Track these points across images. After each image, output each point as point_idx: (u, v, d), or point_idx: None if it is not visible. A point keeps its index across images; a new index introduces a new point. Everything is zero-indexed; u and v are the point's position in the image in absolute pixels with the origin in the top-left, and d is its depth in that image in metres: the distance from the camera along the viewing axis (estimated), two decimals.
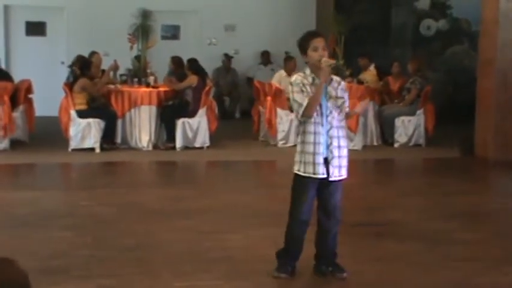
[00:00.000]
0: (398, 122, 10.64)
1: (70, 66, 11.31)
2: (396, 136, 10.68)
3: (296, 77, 4.57)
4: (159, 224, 6.08)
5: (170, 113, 10.12)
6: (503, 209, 6.99)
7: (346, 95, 4.63)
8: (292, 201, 4.61)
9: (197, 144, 10.15)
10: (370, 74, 11.25)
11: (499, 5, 9.27)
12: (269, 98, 10.48)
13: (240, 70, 14.23)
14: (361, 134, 10.42)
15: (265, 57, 14.12)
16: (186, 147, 10.08)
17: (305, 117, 4.47)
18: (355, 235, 5.77)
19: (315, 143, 4.48)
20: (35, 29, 13.87)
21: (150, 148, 10.03)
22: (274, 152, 9.92)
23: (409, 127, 10.68)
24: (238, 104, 14.05)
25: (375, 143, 10.76)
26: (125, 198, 7.05)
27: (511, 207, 7.02)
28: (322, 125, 4.49)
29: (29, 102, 10.45)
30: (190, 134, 10.13)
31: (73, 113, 9.74)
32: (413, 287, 4.65)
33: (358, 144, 10.30)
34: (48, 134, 10.90)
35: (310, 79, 4.52)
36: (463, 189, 7.83)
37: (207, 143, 10.20)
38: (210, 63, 12.99)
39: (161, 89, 10.37)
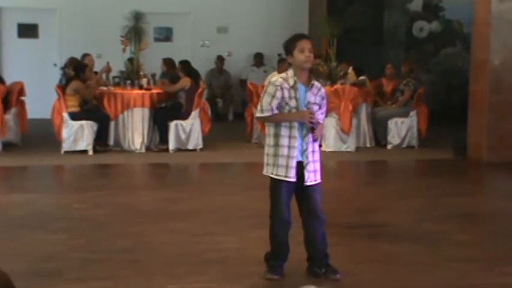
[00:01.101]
0: (391, 123, 10.65)
1: (63, 68, 11.30)
2: (389, 138, 10.68)
3: (277, 79, 4.59)
4: (153, 226, 6.07)
5: (163, 115, 10.10)
6: (497, 210, 7.01)
7: (323, 102, 4.65)
8: (270, 203, 4.65)
9: (190, 146, 10.13)
10: (351, 77, 11.22)
11: (491, 7, 9.29)
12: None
13: (232, 72, 14.22)
14: (354, 136, 10.42)
15: (258, 59, 14.12)
16: (179, 149, 10.06)
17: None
18: (348, 236, 5.77)
19: (289, 147, 4.51)
20: (27, 31, 13.82)
21: (143, 150, 10.01)
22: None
23: (402, 129, 10.69)
24: (231, 106, 14.04)
25: (368, 145, 10.76)
26: (118, 201, 7.03)
27: (504, 208, 7.04)
28: (298, 130, 4.51)
29: (21, 105, 10.41)
30: (183, 136, 10.12)
31: (65, 115, 9.71)
32: None
33: (351, 146, 10.30)
34: (41, 137, 10.86)
35: (291, 81, 4.53)
36: (457, 190, 7.84)
37: (200, 145, 10.18)
38: (203, 65, 12.98)
39: (154, 91, 10.35)
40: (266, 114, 4.52)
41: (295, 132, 4.51)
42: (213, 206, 6.85)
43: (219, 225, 6.08)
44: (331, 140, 10.25)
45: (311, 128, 4.51)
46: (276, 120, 4.53)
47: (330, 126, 10.12)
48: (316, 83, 4.65)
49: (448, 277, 4.79)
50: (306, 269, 4.74)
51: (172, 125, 10.03)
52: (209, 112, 10.61)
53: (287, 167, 4.51)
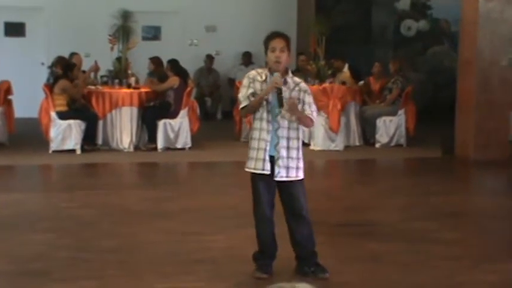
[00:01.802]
0: (379, 122, 10.67)
1: (50, 67, 11.25)
2: (377, 136, 10.71)
3: (251, 72, 4.69)
4: (141, 225, 6.05)
5: (151, 114, 10.08)
6: (484, 208, 7.04)
7: (308, 98, 4.60)
8: (252, 200, 4.68)
9: (179, 145, 10.12)
10: (345, 76, 11.25)
11: (479, 6, 9.34)
12: None
13: (221, 71, 14.21)
14: (343, 135, 10.43)
15: (247, 58, 14.11)
16: (167, 148, 10.04)
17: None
18: (337, 235, 5.78)
19: (259, 139, 4.54)
20: (14, 29, 13.74)
21: (132, 149, 9.99)
22: None
23: (390, 127, 10.72)
24: (220, 104, 14.03)
25: (357, 143, 10.78)
26: (106, 200, 7.01)
27: (491, 206, 7.07)
28: (269, 122, 4.52)
29: (9, 104, 10.35)
30: (171, 135, 10.10)
31: (53, 114, 9.66)
32: (395, 287, 4.67)
33: (339, 145, 10.31)
34: (28, 136, 10.81)
35: (263, 76, 4.58)
36: (444, 189, 7.88)
37: (189, 144, 10.17)
38: (191, 64, 12.95)
39: (142, 90, 10.33)
40: (244, 103, 4.56)
41: (265, 125, 4.52)
42: (202, 205, 6.84)
43: (208, 225, 6.08)
44: (320, 139, 10.27)
45: (278, 94, 4.43)
46: (252, 106, 4.52)
47: (318, 124, 10.11)
48: (295, 78, 4.66)
49: (436, 275, 4.81)
50: (294, 268, 4.74)
51: (161, 124, 10.01)
52: (198, 111, 10.59)
53: (256, 159, 4.53)
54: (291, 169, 4.55)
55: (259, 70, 4.67)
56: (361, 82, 11.22)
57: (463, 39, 9.80)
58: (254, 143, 4.56)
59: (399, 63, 11.24)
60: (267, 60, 4.64)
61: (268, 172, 4.52)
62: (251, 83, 4.56)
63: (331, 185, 8.33)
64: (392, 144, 10.70)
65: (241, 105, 4.61)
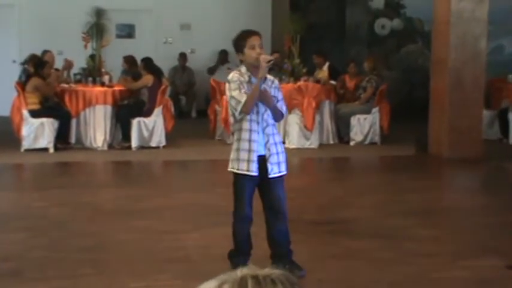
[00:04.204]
0: (354, 120, 10.71)
1: (22, 65, 11.12)
2: (352, 134, 10.75)
3: (233, 75, 4.56)
4: (115, 224, 6.01)
5: (125, 112, 10.02)
6: (457, 205, 7.11)
7: (280, 94, 4.63)
8: (234, 200, 4.65)
9: (153, 144, 10.07)
10: (323, 74, 11.29)
11: (451, 5, 9.41)
12: (225, 97, 10.45)
13: (196, 69, 14.17)
14: (317, 133, 10.46)
15: (222, 57, 14.08)
16: (141, 147, 9.98)
17: (243, 114, 4.46)
18: (312, 233, 5.79)
19: (250, 141, 4.51)
20: None
21: (105, 148, 9.92)
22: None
23: (364, 125, 10.76)
24: (195, 103, 13.99)
25: (331, 141, 10.82)
26: (80, 199, 6.95)
27: (464, 203, 7.14)
28: (258, 123, 4.52)
29: None
30: (146, 134, 10.05)
31: (25, 112, 9.55)
32: (370, 284, 4.69)
33: (314, 143, 10.34)
34: (0, 134, 10.68)
35: (246, 77, 4.54)
36: (418, 186, 7.93)
37: (163, 143, 10.12)
38: (165, 62, 12.90)
39: (116, 88, 10.26)
40: (243, 99, 4.39)
41: (255, 126, 4.51)
42: (176, 203, 6.81)
43: (183, 223, 6.05)
44: (295, 137, 10.28)
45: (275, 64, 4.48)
46: (253, 99, 4.39)
47: (293, 122, 10.15)
48: (269, 76, 4.66)
49: (410, 272, 4.84)
50: (270, 266, 4.73)
51: (135, 122, 9.95)
52: (172, 109, 10.55)
53: (249, 161, 4.50)
54: (282, 164, 4.59)
55: (238, 72, 4.58)
56: (333, 82, 11.22)
57: (436, 38, 9.88)
58: (244, 144, 4.50)
59: (374, 61, 11.28)
60: (242, 59, 4.60)
61: (257, 173, 4.50)
62: (240, 84, 4.47)
63: (306, 183, 8.35)
64: (367, 142, 10.75)
65: (241, 104, 4.38)
